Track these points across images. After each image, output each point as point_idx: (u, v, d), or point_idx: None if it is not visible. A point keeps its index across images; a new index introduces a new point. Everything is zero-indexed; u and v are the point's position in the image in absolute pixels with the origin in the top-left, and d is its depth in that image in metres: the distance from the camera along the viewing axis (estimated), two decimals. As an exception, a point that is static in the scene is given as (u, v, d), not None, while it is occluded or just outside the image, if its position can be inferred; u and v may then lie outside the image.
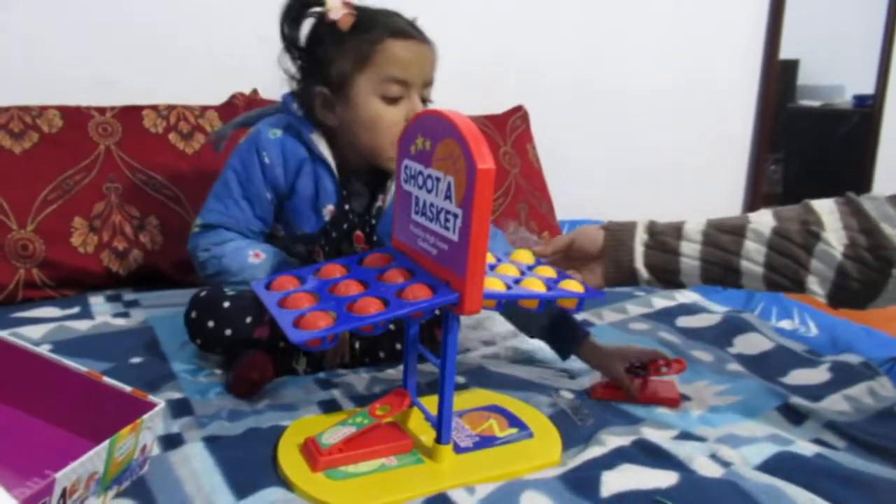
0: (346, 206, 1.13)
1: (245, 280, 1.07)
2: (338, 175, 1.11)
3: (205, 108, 1.52)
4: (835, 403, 1.03)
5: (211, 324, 1.03)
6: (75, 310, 1.26)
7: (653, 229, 0.92)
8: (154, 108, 1.48)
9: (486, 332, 1.25)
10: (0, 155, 1.33)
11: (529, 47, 1.97)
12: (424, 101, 1.10)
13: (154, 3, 1.55)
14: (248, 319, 1.04)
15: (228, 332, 1.03)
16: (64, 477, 0.65)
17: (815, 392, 1.06)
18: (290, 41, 1.10)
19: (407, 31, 1.07)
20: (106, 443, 0.69)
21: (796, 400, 1.01)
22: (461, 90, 1.81)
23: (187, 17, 1.58)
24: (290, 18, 1.09)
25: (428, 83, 1.10)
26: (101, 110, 1.44)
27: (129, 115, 1.46)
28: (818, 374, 1.12)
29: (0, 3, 1.46)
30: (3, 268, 1.28)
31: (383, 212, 1.14)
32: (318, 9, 1.08)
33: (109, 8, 1.53)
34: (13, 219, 1.30)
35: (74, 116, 1.41)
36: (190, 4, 1.59)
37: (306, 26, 1.11)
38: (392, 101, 1.06)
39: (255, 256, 1.10)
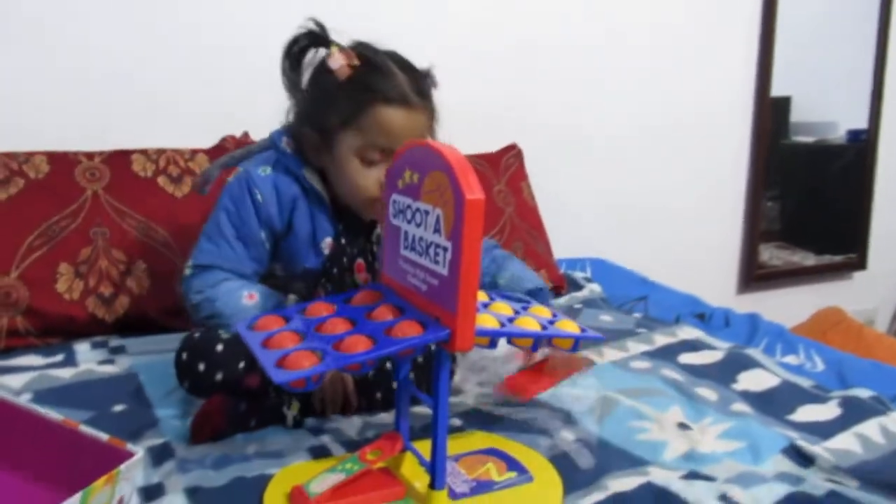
0: (343, 241, 1.11)
1: None
2: (332, 208, 1.10)
3: (195, 152, 1.51)
4: (845, 442, 0.99)
5: (202, 367, 0.99)
6: (59, 358, 1.23)
7: None
8: (143, 152, 1.47)
9: (484, 373, 1.21)
10: (-15, 202, 1.31)
11: (523, 88, 1.97)
12: None
13: (143, 51, 1.55)
14: (242, 365, 0.99)
15: (219, 376, 0.99)
16: (32, 533, 0.61)
17: (824, 430, 1.02)
18: (290, 80, 1.08)
19: (404, 97, 1.03)
20: (77, 496, 0.66)
21: (802, 443, 0.97)
22: (455, 129, 1.82)
23: (177, 63, 1.58)
24: (291, 58, 1.08)
25: None
26: (90, 155, 1.43)
27: (118, 159, 1.44)
28: (827, 411, 1.08)
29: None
30: (-14, 316, 1.25)
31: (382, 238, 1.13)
32: (320, 52, 1.06)
33: (99, 55, 1.52)
34: (-4, 266, 1.27)
35: (62, 162, 1.39)
36: (180, 51, 1.59)
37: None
38: (370, 163, 1.05)
39: (249, 298, 1.07)
